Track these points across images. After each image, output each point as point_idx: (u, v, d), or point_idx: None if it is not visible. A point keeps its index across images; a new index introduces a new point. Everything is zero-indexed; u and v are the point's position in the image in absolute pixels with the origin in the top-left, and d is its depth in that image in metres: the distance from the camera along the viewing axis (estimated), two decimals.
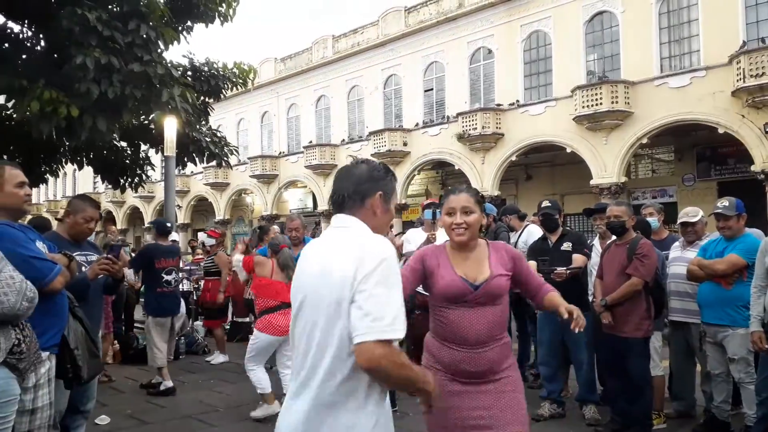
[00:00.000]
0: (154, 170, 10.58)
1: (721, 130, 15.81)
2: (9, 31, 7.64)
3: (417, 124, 22.95)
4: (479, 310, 2.49)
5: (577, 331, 2.52)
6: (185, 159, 9.70)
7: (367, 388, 1.73)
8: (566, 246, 5.04)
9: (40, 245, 2.85)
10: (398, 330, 1.62)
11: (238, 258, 5.62)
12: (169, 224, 6.83)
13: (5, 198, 2.71)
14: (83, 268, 3.52)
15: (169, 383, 6.03)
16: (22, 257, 2.61)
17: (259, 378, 5.09)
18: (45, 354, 2.75)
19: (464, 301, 2.49)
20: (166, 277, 6.19)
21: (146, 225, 34.76)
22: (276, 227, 7.75)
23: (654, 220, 5.33)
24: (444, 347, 2.52)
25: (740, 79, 14.82)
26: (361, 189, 1.84)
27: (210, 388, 6.32)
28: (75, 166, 9.65)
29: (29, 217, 5.06)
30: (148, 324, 6.15)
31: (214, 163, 10.21)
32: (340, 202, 1.87)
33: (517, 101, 19.91)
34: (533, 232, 6.23)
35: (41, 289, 2.63)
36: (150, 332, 6.10)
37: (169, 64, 7.24)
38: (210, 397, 5.95)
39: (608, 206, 4.86)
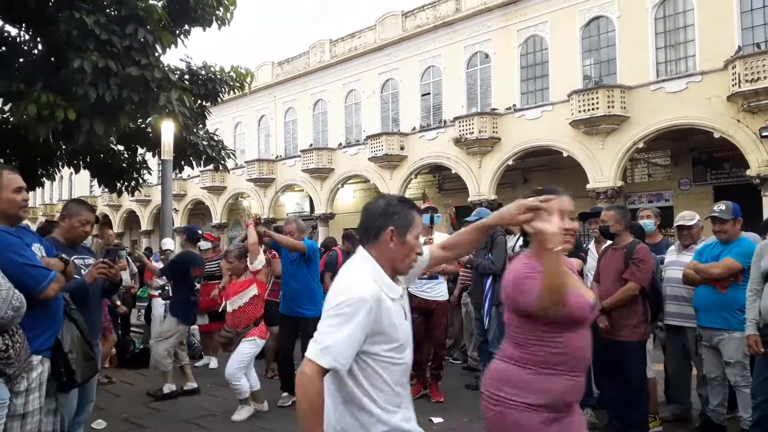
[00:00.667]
0: (150, 174, 10.55)
1: (716, 135, 15.88)
2: (6, 34, 7.63)
3: (414, 128, 22.99)
4: (587, 332, 2.23)
5: None
6: (182, 162, 9.70)
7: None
8: None
9: (37, 248, 2.84)
10: (325, 359, 1.79)
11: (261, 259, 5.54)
12: (200, 231, 6.83)
13: (2, 204, 2.69)
14: (82, 272, 3.52)
15: (173, 386, 6.05)
16: (17, 264, 2.59)
17: (244, 385, 5.16)
18: (37, 358, 2.74)
19: (584, 322, 2.21)
20: (197, 285, 6.22)
21: (140, 228, 34.70)
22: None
23: (649, 223, 5.35)
24: (556, 377, 2.12)
25: (736, 83, 14.90)
26: (374, 225, 1.99)
27: (207, 392, 6.30)
28: (72, 170, 9.63)
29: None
30: (173, 330, 6.03)
31: (211, 166, 10.21)
32: (360, 237, 2.05)
33: (514, 105, 19.97)
34: None
35: (35, 297, 2.63)
36: (173, 338, 6.01)
37: (166, 68, 7.24)
38: (207, 401, 5.94)
39: (603, 210, 4.89)
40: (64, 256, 3.04)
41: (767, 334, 3.80)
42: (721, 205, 4.38)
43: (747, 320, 3.94)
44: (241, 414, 5.17)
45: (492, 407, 2.16)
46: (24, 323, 2.57)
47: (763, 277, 3.89)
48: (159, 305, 8.45)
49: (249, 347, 5.19)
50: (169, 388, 6.00)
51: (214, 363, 7.66)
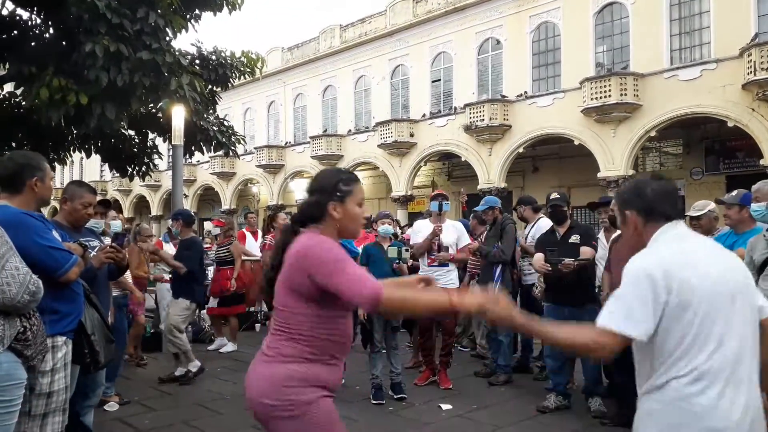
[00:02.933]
0: (161, 159, 10.60)
1: (730, 124, 15.69)
2: (18, 18, 7.64)
3: (424, 115, 22.87)
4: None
5: None
6: (193, 148, 9.72)
7: None
8: (574, 238, 5.03)
9: (55, 234, 2.88)
10: None
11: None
12: (194, 214, 6.88)
13: (46, 191, 2.84)
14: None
15: (198, 363, 6.11)
16: (41, 246, 2.64)
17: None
18: (62, 339, 2.79)
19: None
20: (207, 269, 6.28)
21: (150, 213, 34.91)
22: (284, 214, 7.77)
23: None
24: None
25: (751, 72, 14.68)
26: None
27: (217, 376, 6.35)
28: (83, 154, 9.69)
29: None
30: (184, 313, 6.07)
31: (221, 152, 10.22)
32: None
33: (525, 93, 19.81)
34: (542, 227, 6.16)
35: (58, 279, 2.68)
36: (185, 320, 6.12)
37: (177, 53, 7.23)
38: (217, 385, 5.99)
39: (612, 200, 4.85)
40: (82, 241, 3.07)
41: None
42: (733, 192, 4.37)
43: None
44: None
45: None
46: (48, 305, 2.62)
47: (756, 270, 3.84)
48: (165, 290, 8.51)
49: None
50: (195, 365, 6.08)
51: (229, 347, 7.71)
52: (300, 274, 1.98)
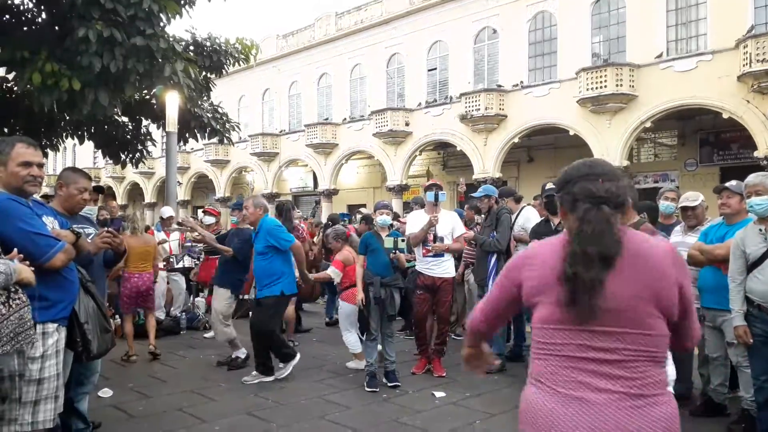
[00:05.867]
0: (155, 146, 10.52)
1: (725, 115, 15.73)
2: (10, 2, 7.54)
3: (419, 104, 22.81)
4: None
5: None
6: (186, 135, 9.67)
7: None
8: None
9: (49, 220, 2.84)
10: None
11: None
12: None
13: (7, 176, 2.70)
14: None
15: (245, 350, 6.25)
16: (24, 232, 2.59)
17: (351, 340, 6.02)
18: (53, 326, 2.77)
19: None
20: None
21: (144, 201, 34.75)
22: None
23: (671, 206, 5.34)
24: None
25: (747, 63, 14.70)
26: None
27: (211, 363, 6.37)
28: (75, 141, 9.61)
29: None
30: (226, 303, 6.22)
31: (215, 139, 10.16)
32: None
33: (521, 82, 19.77)
34: (530, 216, 6.28)
35: (42, 266, 2.62)
36: (230, 310, 6.30)
37: (171, 39, 7.14)
38: (212, 372, 6.02)
39: None
40: (75, 228, 3.03)
41: (755, 314, 3.83)
42: (733, 182, 4.39)
43: (733, 311, 3.95)
44: (351, 363, 6.05)
45: None
46: (38, 292, 2.58)
47: (749, 264, 3.87)
48: (162, 279, 8.49)
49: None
50: (243, 352, 6.24)
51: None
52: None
